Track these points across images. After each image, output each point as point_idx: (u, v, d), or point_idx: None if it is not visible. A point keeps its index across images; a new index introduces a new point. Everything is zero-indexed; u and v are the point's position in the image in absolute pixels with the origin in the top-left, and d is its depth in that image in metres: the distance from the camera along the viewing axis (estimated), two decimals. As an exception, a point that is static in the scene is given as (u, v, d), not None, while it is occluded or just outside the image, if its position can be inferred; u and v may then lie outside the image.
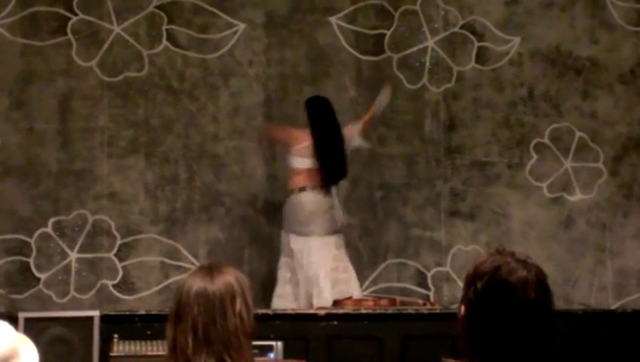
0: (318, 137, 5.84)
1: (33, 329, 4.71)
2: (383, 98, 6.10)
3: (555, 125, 6.66)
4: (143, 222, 6.36)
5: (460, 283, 6.58)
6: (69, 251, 6.31)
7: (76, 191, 6.35)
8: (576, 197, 6.61)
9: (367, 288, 6.41)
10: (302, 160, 5.84)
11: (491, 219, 6.56)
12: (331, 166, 5.85)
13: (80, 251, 6.31)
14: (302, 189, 5.82)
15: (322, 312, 5.39)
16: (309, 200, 5.81)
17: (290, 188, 5.89)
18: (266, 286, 6.29)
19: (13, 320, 4.76)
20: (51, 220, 6.31)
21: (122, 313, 5.44)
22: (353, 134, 5.97)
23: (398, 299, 5.92)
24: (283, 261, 5.90)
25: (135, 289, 6.31)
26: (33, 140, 6.37)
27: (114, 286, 6.29)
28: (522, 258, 1.89)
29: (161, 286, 6.30)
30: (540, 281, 1.87)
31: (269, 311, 5.36)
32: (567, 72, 6.70)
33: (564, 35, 6.71)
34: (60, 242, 6.30)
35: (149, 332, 4.99)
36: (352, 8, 6.62)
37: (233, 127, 6.51)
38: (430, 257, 6.49)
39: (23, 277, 6.25)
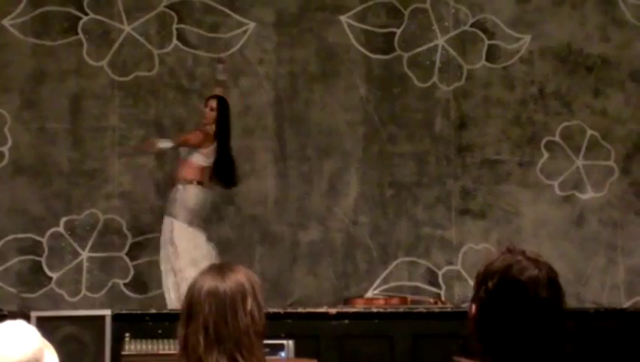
0: (223, 142, 5.92)
1: (45, 328, 4.70)
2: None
3: (566, 123, 6.64)
4: (154, 222, 6.37)
5: (471, 282, 6.57)
6: (80, 250, 6.33)
7: (87, 191, 6.37)
8: (588, 195, 6.59)
9: (377, 286, 6.41)
10: (205, 159, 5.89)
11: (502, 217, 6.54)
12: (229, 171, 5.94)
13: (91, 250, 6.33)
14: (200, 183, 5.87)
15: (333, 311, 5.40)
16: (204, 195, 5.88)
17: (187, 178, 5.86)
18: (278, 284, 6.30)
19: (25, 319, 4.77)
20: (63, 219, 6.33)
21: (134, 312, 5.45)
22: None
23: (409, 297, 5.92)
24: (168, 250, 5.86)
25: (146, 288, 6.32)
26: (44, 140, 6.39)
27: (125, 285, 6.30)
28: (533, 256, 1.89)
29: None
30: (552, 280, 1.87)
31: (280, 310, 5.37)
32: (578, 69, 6.68)
33: (575, 32, 6.69)
34: (72, 241, 6.32)
35: (160, 331, 5.00)
36: (362, 7, 6.62)
37: (243, 126, 6.51)
38: (441, 256, 6.48)
39: (35, 276, 6.27)
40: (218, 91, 6.03)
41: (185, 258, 5.76)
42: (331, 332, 5.30)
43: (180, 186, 5.85)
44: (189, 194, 5.84)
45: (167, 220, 5.85)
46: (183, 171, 5.89)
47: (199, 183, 5.87)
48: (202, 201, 5.88)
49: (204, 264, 5.51)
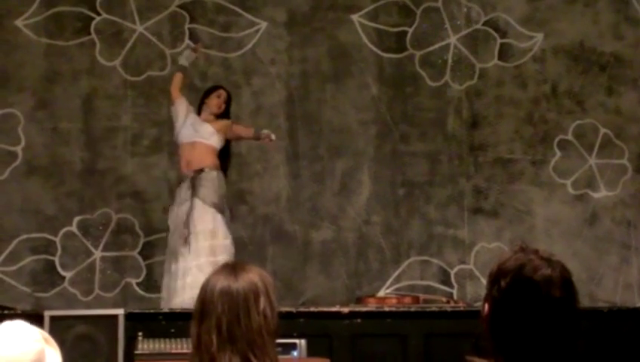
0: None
1: (59, 327, 4.74)
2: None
3: (579, 121, 6.62)
4: (167, 221, 6.38)
5: (484, 281, 6.55)
6: (93, 250, 6.35)
7: (100, 190, 6.39)
8: (601, 194, 6.56)
9: (390, 286, 6.41)
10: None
11: (515, 216, 6.53)
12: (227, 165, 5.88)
13: (104, 250, 6.35)
14: (222, 171, 5.78)
15: (346, 310, 5.39)
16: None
17: (215, 164, 5.71)
18: (289, 284, 6.30)
19: (38, 319, 4.80)
20: (76, 219, 6.35)
21: (146, 311, 5.46)
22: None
23: (422, 296, 5.91)
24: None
25: (159, 287, 6.33)
26: (57, 140, 6.42)
27: (138, 284, 6.32)
28: (546, 256, 1.88)
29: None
30: (565, 279, 1.86)
31: (293, 309, 5.37)
32: (591, 68, 6.66)
33: (588, 30, 6.66)
34: (85, 241, 6.35)
35: (173, 330, 5.01)
36: (373, 6, 6.61)
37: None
38: (453, 255, 6.47)
39: (49, 276, 6.30)
40: (178, 77, 5.82)
41: (205, 245, 5.62)
42: (344, 332, 5.30)
43: (207, 170, 5.66)
44: (221, 181, 5.69)
45: (195, 203, 5.59)
46: (209, 156, 5.70)
47: (222, 171, 5.75)
48: (224, 190, 5.76)
49: (221, 257, 5.45)
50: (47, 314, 4.92)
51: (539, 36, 6.65)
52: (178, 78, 5.86)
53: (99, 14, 6.49)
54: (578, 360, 1.84)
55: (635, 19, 6.70)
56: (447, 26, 6.66)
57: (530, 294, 1.83)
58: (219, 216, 5.63)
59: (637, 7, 6.69)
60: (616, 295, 6.45)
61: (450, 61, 6.63)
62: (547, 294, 1.82)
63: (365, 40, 6.61)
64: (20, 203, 6.34)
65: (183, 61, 5.90)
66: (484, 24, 6.66)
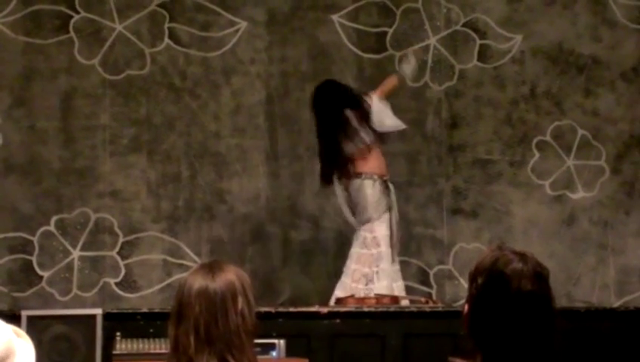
0: None
1: (36, 327, 4.71)
2: (407, 66, 5.96)
3: (557, 123, 6.65)
4: (145, 220, 6.36)
5: (463, 281, 6.59)
6: (71, 249, 6.32)
7: (78, 190, 6.35)
8: (579, 195, 6.60)
9: (369, 286, 6.40)
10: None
11: (493, 217, 6.55)
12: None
13: (82, 249, 6.32)
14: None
15: (324, 310, 5.39)
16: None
17: None
18: (268, 284, 6.30)
19: (15, 318, 4.77)
20: (54, 218, 6.32)
21: (125, 311, 5.44)
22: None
23: (400, 296, 5.92)
24: None
25: (137, 287, 6.32)
26: (35, 138, 6.37)
27: (116, 284, 6.30)
28: (521, 251, 1.90)
29: (163, 284, 6.31)
30: (537, 273, 1.87)
31: (272, 309, 5.36)
32: (570, 69, 6.69)
33: (566, 32, 6.70)
34: (63, 240, 6.31)
35: (151, 331, 4.99)
36: (353, 6, 6.62)
37: (235, 125, 6.51)
38: (432, 255, 6.49)
39: (26, 275, 6.25)
40: (391, 82, 5.85)
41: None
42: (322, 332, 5.29)
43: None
44: None
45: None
46: None
47: None
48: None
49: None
50: (24, 313, 4.88)
51: (518, 37, 6.68)
52: (391, 82, 5.87)
53: (78, 12, 6.45)
54: (554, 356, 1.85)
55: (613, 22, 6.74)
56: (427, 26, 6.67)
57: (503, 288, 1.84)
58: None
59: (615, 10, 6.74)
60: (593, 295, 6.49)
61: (429, 62, 6.64)
62: (518, 287, 1.83)
63: (345, 40, 6.61)
64: (-3, 202, 6.29)
65: (405, 70, 5.95)
66: (464, 25, 6.68)
